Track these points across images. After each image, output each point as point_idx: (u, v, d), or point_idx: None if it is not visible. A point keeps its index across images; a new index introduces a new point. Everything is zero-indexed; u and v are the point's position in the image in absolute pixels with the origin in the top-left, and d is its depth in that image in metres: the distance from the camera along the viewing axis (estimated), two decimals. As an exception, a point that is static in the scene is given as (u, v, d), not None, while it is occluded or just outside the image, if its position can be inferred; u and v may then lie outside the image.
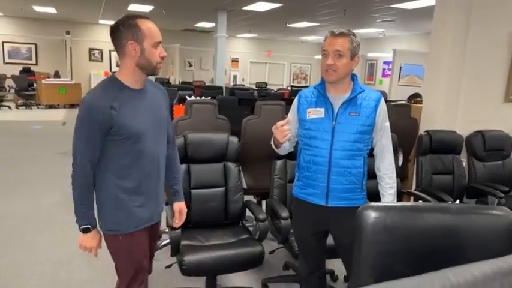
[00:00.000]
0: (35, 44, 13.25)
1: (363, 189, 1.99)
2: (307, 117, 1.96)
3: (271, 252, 3.24)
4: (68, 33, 12.69)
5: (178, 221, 2.05)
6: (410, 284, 0.75)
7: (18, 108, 11.38)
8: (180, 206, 2.06)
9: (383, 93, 11.15)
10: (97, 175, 1.68)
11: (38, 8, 10.57)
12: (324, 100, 1.94)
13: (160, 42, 1.65)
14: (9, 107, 11.29)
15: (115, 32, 1.61)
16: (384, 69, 13.27)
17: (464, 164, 3.48)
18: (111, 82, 1.65)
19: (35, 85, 12.00)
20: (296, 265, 2.97)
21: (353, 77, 1.96)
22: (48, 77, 12.27)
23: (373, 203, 1.18)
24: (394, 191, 2.01)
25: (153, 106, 1.74)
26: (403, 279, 0.79)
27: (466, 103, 3.62)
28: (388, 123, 1.98)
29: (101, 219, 1.75)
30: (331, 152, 1.90)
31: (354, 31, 1.92)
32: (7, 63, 12.93)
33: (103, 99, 1.58)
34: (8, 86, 11.72)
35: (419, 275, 0.80)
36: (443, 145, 3.37)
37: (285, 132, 1.87)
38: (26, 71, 12.56)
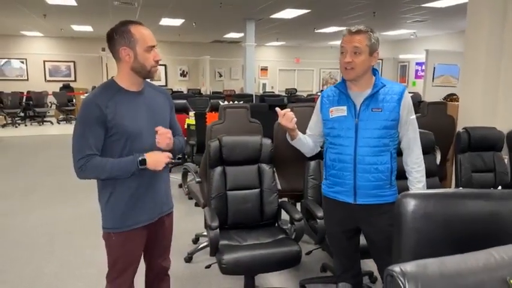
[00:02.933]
0: (74, 62, 13.91)
1: (392, 185, 1.95)
2: (330, 117, 1.97)
3: (308, 253, 3.24)
4: (103, 49, 13.22)
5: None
6: (457, 260, 0.76)
7: (59, 123, 11.95)
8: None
9: (416, 95, 10.86)
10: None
11: (76, 27, 11.12)
12: (345, 98, 1.94)
13: (153, 46, 1.71)
14: (51, 122, 11.88)
15: (110, 39, 1.70)
16: (416, 71, 12.97)
17: (506, 161, 3.36)
18: (109, 85, 1.74)
19: (74, 100, 12.58)
20: (333, 266, 2.95)
21: (374, 72, 1.95)
22: (86, 93, 12.83)
23: (412, 191, 1.18)
24: (422, 185, 1.96)
25: (150, 108, 1.79)
26: (450, 256, 0.79)
27: (506, 99, 3.51)
28: (414, 117, 1.94)
29: (102, 216, 1.81)
30: (356, 149, 1.89)
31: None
32: (48, 80, 13.63)
33: (99, 99, 1.66)
34: (50, 102, 12.35)
35: (465, 253, 0.80)
36: (483, 142, 3.26)
37: (289, 115, 1.90)
38: (66, 87, 13.19)
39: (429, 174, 3.07)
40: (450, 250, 1.01)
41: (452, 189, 1.18)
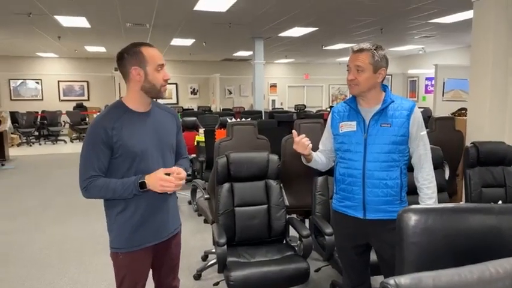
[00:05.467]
0: (87, 82, 14.22)
1: (402, 200, 1.95)
2: (340, 131, 2.01)
3: (317, 270, 3.22)
4: (116, 69, 13.50)
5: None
6: (451, 273, 0.77)
7: (72, 142, 12.16)
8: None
9: (427, 110, 10.81)
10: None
11: (90, 48, 11.42)
12: (355, 114, 1.98)
13: (162, 65, 1.75)
14: (65, 141, 12.10)
15: (120, 59, 1.74)
16: (426, 86, 12.94)
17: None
18: (117, 106, 1.78)
19: (87, 119, 12.82)
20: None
21: (384, 89, 1.98)
22: (99, 111, 13.06)
23: (413, 206, 1.20)
24: (433, 201, 1.96)
25: (157, 128, 1.82)
26: (445, 269, 0.81)
27: (514, 112, 3.50)
28: (424, 132, 1.95)
29: (109, 236, 1.83)
30: (365, 163, 1.92)
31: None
32: (62, 100, 13.94)
33: (106, 121, 1.70)
34: (63, 121, 12.60)
35: (460, 267, 0.81)
36: (492, 157, 3.24)
37: (304, 143, 1.95)
38: (79, 106, 13.47)
39: (438, 189, 3.03)
40: (451, 264, 1.02)
41: (452, 204, 1.18)
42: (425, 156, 1.95)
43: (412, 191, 2.01)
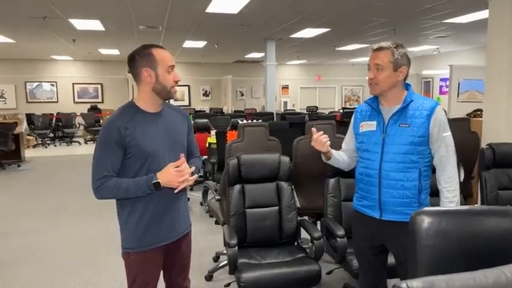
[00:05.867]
0: (101, 84, 14.41)
1: (421, 203, 1.91)
2: (360, 131, 2.01)
3: (328, 273, 3.19)
4: (129, 72, 13.69)
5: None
6: (465, 277, 0.75)
7: (87, 143, 12.32)
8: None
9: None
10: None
11: (104, 51, 11.57)
12: (376, 114, 1.96)
13: (173, 66, 1.76)
14: (79, 142, 12.28)
15: (132, 61, 1.77)
16: (441, 86, 12.76)
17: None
18: (129, 107, 1.80)
19: (101, 121, 12.98)
20: (356, 286, 2.90)
21: (407, 88, 1.95)
22: (113, 113, 13.20)
23: (426, 208, 1.17)
24: (453, 205, 1.90)
25: (169, 128, 1.83)
26: (459, 273, 0.79)
27: (532, 113, 3.42)
28: (447, 134, 1.88)
29: (121, 236, 1.84)
30: (381, 164, 1.91)
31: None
32: (77, 102, 14.15)
33: (119, 121, 1.72)
34: (78, 123, 12.79)
35: (474, 271, 0.79)
36: (508, 159, 3.16)
37: (322, 140, 1.98)
38: (93, 108, 13.65)
39: (452, 191, 3.01)
40: (465, 267, 1.00)
41: (466, 206, 1.16)
42: (447, 158, 1.89)
43: (436, 193, 1.96)
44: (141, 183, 1.70)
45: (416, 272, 1.08)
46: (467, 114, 5.39)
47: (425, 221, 1.12)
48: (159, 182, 1.70)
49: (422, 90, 13.60)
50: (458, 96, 8.57)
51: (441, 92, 12.67)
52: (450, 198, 1.90)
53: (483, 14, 6.38)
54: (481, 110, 5.93)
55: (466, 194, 3.48)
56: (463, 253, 1.04)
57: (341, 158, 2.13)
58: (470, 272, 0.79)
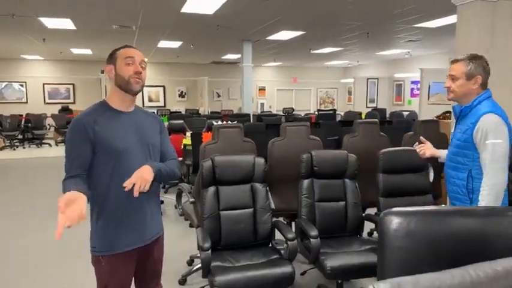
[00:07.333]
0: (73, 84, 14.04)
1: (472, 202, 2.05)
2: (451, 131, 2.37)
3: (302, 274, 3.20)
4: (102, 72, 13.39)
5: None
6: (432, 277, 0.76)
7: (57, 145, 11.96)
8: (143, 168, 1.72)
9: (412, 114, 10.91)
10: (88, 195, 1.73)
11: (75, 50, 11.28)
12: (457, 118, 2.22)
13: (132, 57, 1.74)
14: (50, 144, 11.90)
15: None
16: (412, 89, 13.09)
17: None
18: (99, 105, 1.80)
19: (73, 122, 12.63)
20: (329, 287, 2.92)
21: (482, 95, 2.08)
22: (85, 114, 12.86)
23: (395, 208, 1.19)
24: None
25: (139, 129, 1.80)
26: (425, 274, 0.80)
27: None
28: (490, 141, 1.97)
29: (90, 238, 1.80)
30: (446, 161, 2.25)
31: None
32: (47, 103, 13.73)
33: (86, 118, 1.71)
34: (49, 124, 12.40)
35: (441, 271, 0.80)
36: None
37: (419, 152, 2.38)
38: (65, 109, 13.27)
39: (422, 192, 3.10)
40: (434, 268, 1.01)
41: (434, 207, 1.18)
42: (484, 164, 2.00)
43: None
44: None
45: (384, 273, 1.09)
46: (437, 116, 5.55)
47: (394, 222, 1.13)
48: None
49: (394, 93, 13.92)
50: (428, 99, 8.81)
51: (412, 95, 13.00)
52: (479, 201, 2.01)
53: (452, 19, 6.59)
54: (450, 112, 6.11)
55: (435, 194, 3.56)
56: (431, 253, 1.06)
57: None
58: (436, 273, 0.80)
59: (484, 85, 2.08)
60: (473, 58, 2.07)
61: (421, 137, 2.41)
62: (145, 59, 1.82)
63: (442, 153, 2.34)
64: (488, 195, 1.97)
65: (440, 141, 3.84)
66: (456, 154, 2.13)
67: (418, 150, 2.38)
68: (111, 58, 1.78)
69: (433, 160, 2.42)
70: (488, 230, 1.16)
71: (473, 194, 2.06)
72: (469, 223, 1.16)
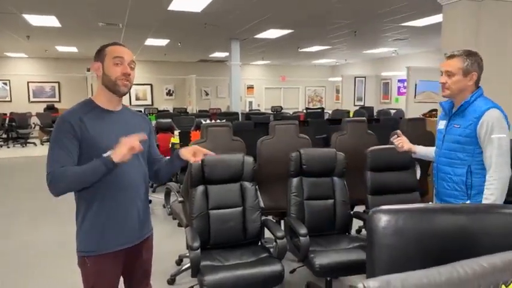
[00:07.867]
0: (58, 82, 13.82)
1: (472, 199, 2.04)
2: (437, 128, 2.30)
3: (292, 272, 3.21)
4: (88, 70, 13.21)
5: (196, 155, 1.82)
6: (420, 274, 0.77)
7: (43, 144, 11.76)
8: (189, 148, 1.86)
9: (399, 112, 11.00)
10: (74, 195, 1.71)
11: (61, 48, 11.10)
12: (445, 115, 2.22)
13: (121, 57, 1.69)
14: (35, 144, 11.70)
15: None
16: (399, 87, 13.22)
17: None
18: (85, 102, 1.76)
19: (58, 121, 12.45)
20: (318, 284, 2.94)
21: (477, 91, 2.07)
22: (71, 113, 12.67)
23: (383, 206, 1.19)
24: (488, 202, 1.98)
25: (126, 128, 1.74)
26: (414, 271, 0.80)
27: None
28: (496, 136, 1.97)
29: (76, 239, 1.76)
30: (438, 158, 2.20)
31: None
32: (32, 101, 13.49)
33: (72, 116, 1.66)
34: (33, 123, 12.19)
35: (429, 268, 0.81)
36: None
37: (397, 145, 2.30)
38: (50, 108, 13.07)
39: (409, 189, 3.13)
40: (422, 265, 1.02)
41: (422, 204, 1.19)
42: (489, 159, 1.99)
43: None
44: (95, 162, 1.59)
45: (373, 270, 1.10)
46: (423, 114, 5.62)
47: (382, 220, 1.14)
48: (110, 156, 1.57)
49: (381, 91, 14.04)
50: (415, 97, 8.91)
51: (399, 93, 13.13)
52: (487, 195, 1.99)
53: (438, 18, 6.67)
54: (436, 110, 6.19)
55: (422, 192, 3.61)
56: (420, 251, 1.07)
57: (428, 150, 2.34)
58: (425, 270, 0.81)
59: (477, 82, 2.08)
60: (470, 54, 2.05)
61: (398, 130, 2.37)
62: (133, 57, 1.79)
63: (418, 149, 2.35)
64: (496, 189, 1.96)
65: (426, 139, 3.90)
66: (455, 150, 2.08)
67: (396, 143, 2.31)
68: (99, 55, 1.73)
69: (409, 154, 2.39)
70: (475, 227, 1.17)
71: (471, 190, 2.04)
72: (456, 220, 1.17)
